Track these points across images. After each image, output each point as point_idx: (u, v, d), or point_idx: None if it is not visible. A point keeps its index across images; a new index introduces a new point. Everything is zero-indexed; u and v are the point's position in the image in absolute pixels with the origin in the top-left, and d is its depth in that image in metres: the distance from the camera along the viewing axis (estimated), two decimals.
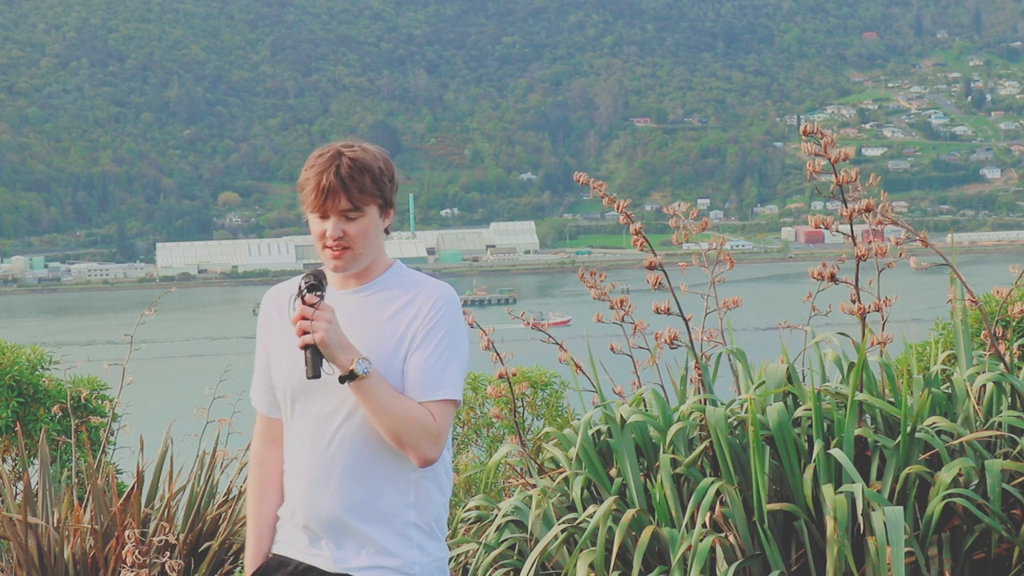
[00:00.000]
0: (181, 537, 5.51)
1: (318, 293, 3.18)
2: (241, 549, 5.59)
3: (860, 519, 4.35)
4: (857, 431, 4.66)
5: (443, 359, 3.22)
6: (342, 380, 3.13)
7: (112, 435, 6.81)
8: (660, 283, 5.27)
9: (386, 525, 3.24)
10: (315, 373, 3.14)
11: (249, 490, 3.44)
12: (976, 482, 4.62)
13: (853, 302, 5.05)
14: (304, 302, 3.15)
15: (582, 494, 4.96)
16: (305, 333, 3.12)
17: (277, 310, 3.36)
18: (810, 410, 4.70)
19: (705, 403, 4.92)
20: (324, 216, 3.20)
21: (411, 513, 3.26)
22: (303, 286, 3.18)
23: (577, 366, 5.42)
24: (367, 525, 3.23)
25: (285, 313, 3.32)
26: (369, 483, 3.23)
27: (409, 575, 3.25)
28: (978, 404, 4.88)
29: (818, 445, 4.58)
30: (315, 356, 3.13)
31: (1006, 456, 4.74)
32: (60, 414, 7.07)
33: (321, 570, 3.27)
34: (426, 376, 3.21)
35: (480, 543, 5.13)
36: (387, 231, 3.30)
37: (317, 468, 3.24)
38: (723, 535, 4.60)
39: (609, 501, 4.68)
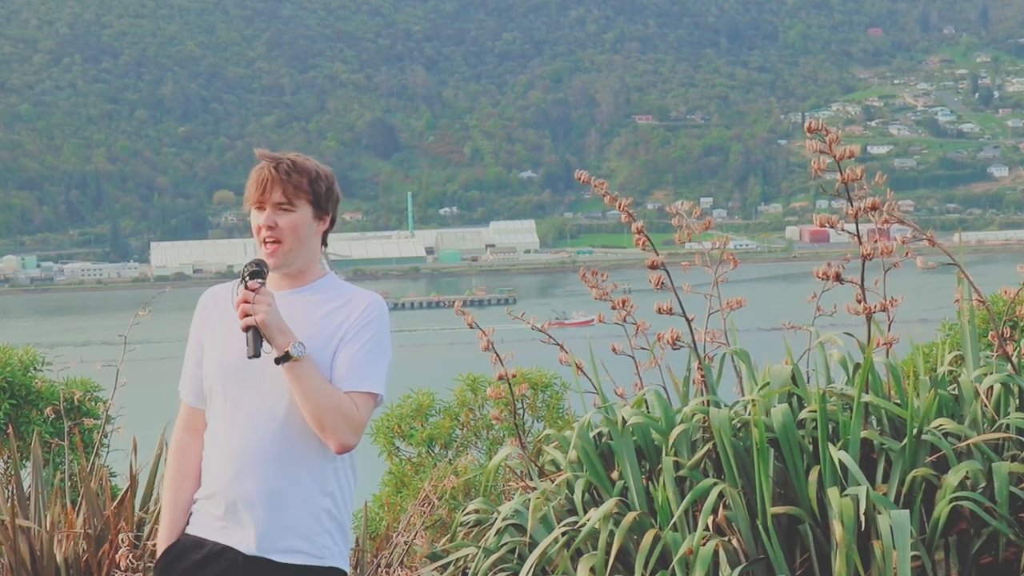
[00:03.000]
0: None
1: (259, 280, 3.45)
2: None
3: (862, 518, 4.29)
4: (863, 433, 4.61)
5: (371, 355, 3.50)
6: (278, 361, 3.40)
7: (105, 437, 6.73)
8: (662, 283, 5.22)
9: (303, 511, 3.47)
10: (255, 353, 3.39)
11: (168, 474, 3.67)
12: (984, 485, 4.57)
13: (859, 302, 5.00)
14: (247, 287, 3.42)
15: (583, 497, 4.90)
16: (248, 315, 3.38)
17: (214, 306, 3.63)
18: (815, 412, 4.66)
19: (708, 405, 4.87)
20: (261, 207, 3.51)
21: (326, 501, 3.50)
22: (245, 273, 3.46)
23: (578, 367, 5.38)
24: (285, 510, 3.46)
25: (221, 308, 3.58)
26: (289, 470, 3.47)
27: (321, 559, 3.50)
28: (985, 406, 4.83)
29: (823, 447, 4.52)
30: (256, 337, 3.38)
31: (1014, 459, 4.69)
32: (53, 416, 7.02)
33: (237, 551, 3.47)
34: (353, 368, 3.48)
35: (479, 547, 5.08)
36: (324, 243, 3.64)
37: (241, 454, 3.47)
38: (726, 539, 4.55)
39: (609, 504, 4.63)
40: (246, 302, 3.40)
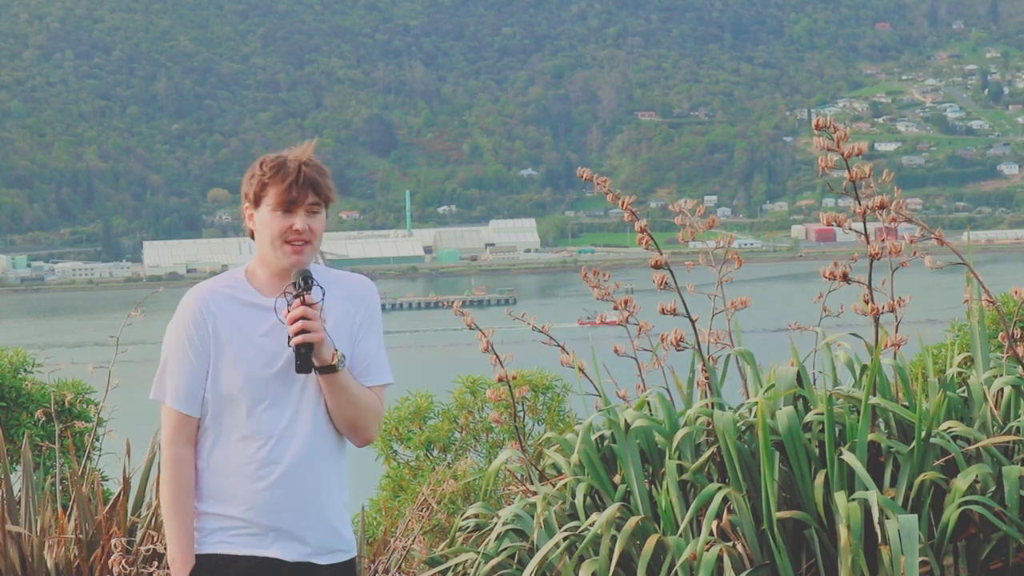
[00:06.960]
0: None
1: (320, 294, 3.45)
2: None
3: (877, 527, 4.23)
4: (870, 436, 4.55)
5: (382, 347, 3.60)
6: (321, 371, 3.42)
7: (97, 440, 6.67)
8: (666, 283, 5.17)
9: (331, 510, 3.55)
10: (308, 368, 3.39)
11: (172, 492, 3.51)
12: (993, 489, 4.51)
13: (866, 302, 4.94)
14: (304, 302, 3.37)
15: (585, 501, 4.84)
16: (300, 332, 3.36)
17: (218, 309, 3.51)
18: (821, 414, 4.61)
19: (712, 407, 4.81)
20: (291, 211, 3.47)
21: (343, 494, 3.62)
22: (301, 285, 3.41)
23: (580, 369, 5.32)
24: (323, 512, 3.53)
25: (227, 311, 3.49)
26: (320, 473, 3.53)
27: (349, 553, 3.61)
28: (995, 408, 4.79)
29: (830, 451, 4.45)
30: (308, 352, 3.37)
31: None
32: (43, 419, 6.96)
33: (280, 560, 3.48)
34: (372, 363, 3.56)
35: (479, 552, 5.03)
36: None
37: (275, 464, 3.48)
38: (731, 544, 4.49)
39: (612, 509, 4.57)
40: (304, 318, 3.37)
